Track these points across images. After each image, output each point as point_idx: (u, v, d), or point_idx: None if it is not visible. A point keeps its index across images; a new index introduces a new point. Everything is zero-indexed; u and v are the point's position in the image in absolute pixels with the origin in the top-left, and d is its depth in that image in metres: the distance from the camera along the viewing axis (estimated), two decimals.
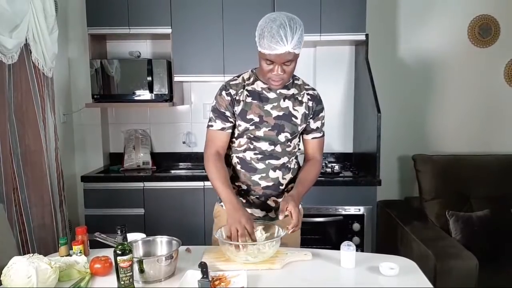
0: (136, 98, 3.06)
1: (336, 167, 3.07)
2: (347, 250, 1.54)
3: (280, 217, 1.61)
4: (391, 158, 3.39)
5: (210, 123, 1.78)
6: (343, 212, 2.85)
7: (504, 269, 2.47)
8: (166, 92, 3.05)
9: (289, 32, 1.53)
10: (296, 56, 1.61)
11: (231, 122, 1.76)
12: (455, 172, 2.98)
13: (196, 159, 3.43)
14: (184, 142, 3.42)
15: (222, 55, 3.03)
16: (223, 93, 1.75)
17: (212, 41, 3.02)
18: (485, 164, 3.04)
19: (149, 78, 3.04)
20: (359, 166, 3.16)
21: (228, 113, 1.74)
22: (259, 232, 1.66)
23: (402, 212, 3.04)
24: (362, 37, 2.96)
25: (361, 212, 2.85)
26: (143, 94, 3.05)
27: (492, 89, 3.33)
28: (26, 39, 2.36)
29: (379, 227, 3.05)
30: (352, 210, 2.85)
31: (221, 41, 3.02)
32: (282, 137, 1.74)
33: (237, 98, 1.73)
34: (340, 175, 2.97)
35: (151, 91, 3.05)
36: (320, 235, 2.85)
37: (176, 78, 3.08)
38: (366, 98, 3.01)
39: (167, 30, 3.02)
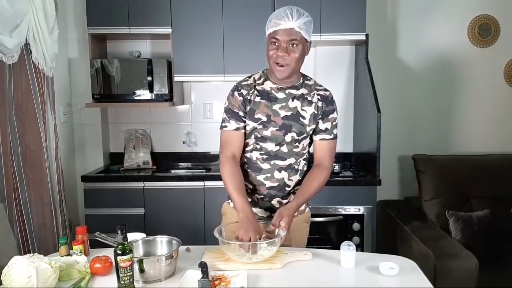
0: (136, 98, 3.06)
1: (336, 167, 3.07)
2: (347, 250, 1.54)
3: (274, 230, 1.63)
4: (391, 158, 3.39)
5: (223, 124, 1.78)
6: (343, 212, 2.86)
7: (504, 269, 2.46)
8: (166, 92, 3.05)
9: (295, 12, 1.62)
10: (302, 40, 1.64)
11: (244, 122, 1.76)
12: (455, 172, 2.98)
13: (196, 159, 3.44)
14: (184, 142, 3.42)
15: (222, 55, 3.03)
16: (235, 93, 1.76)
17: (212, 41, 3.02)
18: (485, 164, 3.04)
19: (149, 78, 3.04)
20: (359, 166, 3.16)
21: (241, 113, 1.75)
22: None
23: (402, 212, 3.04)
24: (362, 37, 2.96)
25: (361, 212, 2.85)
26: (143, 94, 3.05)
27: (492, 89, 3.33)
28: (26, 39, 2.36)
29: (379, 227, 3.06)
30: (352, 210, 2.85)
31: (221, 41, 3.02)
32: (288, 137, 1.74)
33: (248, 98, 1.74)
34: (340, 175, 2.97)
35: (151, 91, 3.05)
36: (320, 235, 2.85)
37: (176, 78, 3.08)
38: (366, 98, 3.01)
39: (167, 30, 3.02)
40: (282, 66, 1.65)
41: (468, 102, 3.36)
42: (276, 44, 1.64)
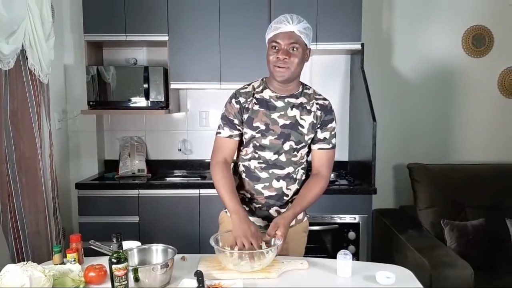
0: (132, 105, 3.05)
1: (332, 175, 3.06)
2: (344, 259, 1.54)
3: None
4: (387, 166, 3.39)
5: (218, 130, 1.79)
6: (339, 221, 2.85)
7: (499, 278, 2.47)
8: (162, 100, 3.05)
9: (295, 17, 1.65)
10: (302, 44, 1.66)
11: (239, 130, 1.77)
12: (450, 181, 2.99)
13: (192, 166, 3.43)
14: (179, 150, 3.41)
15: (219, 63, 3.03)
16: (233, 101, 1.77)
17: (209, 49, 3.03)
18: (480, 173, 3.05)
19: (145, 85, 3.03)
20: (355, 175, 3.16)
21: (236, 121, 1.75)
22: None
23: (397, 220, 3.04)
24: (357, 46, 2.98)
25: (356, 221, 2.85)
26: (139, 101, 3.05)
27: (486, 99, 3.36)
28: (22, 45, 2.36)
29: (374, 235, 3.05)
30: (347, 218, 2.85)
31: (217, 48, 3.03)
32: (287, 146, 1.73)
33: (246, 106, 1.74)
34: (336, 183, 2.97)
35: (147, 98, 3.05)
36: (315, 243, 2.83)
37: (173, 86, 3.08)
38: (361, 107, 3.02)
39: (164, 38, 3.03)
40: (282, 68, 1.65)
41: (462, 112, 3.38)
42: (277, 48, 1.66)
